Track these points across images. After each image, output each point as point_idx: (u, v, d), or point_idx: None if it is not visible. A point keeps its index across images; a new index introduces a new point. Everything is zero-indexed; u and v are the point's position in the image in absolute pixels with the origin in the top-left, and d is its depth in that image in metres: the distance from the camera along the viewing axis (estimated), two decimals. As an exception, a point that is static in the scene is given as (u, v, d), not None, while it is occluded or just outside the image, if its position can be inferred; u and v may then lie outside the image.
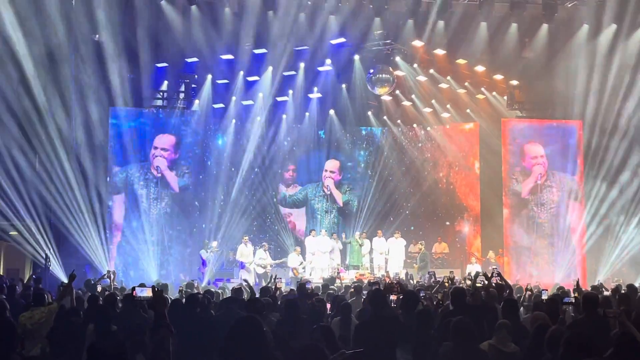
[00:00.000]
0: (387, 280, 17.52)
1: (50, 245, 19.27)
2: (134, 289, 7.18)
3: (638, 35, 21.81)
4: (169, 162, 22.81)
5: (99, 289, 13.46)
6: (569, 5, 22.40)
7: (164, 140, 22.89)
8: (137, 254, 21.81)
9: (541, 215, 23.71)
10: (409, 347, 7.32)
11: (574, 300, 8.86)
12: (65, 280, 18.19)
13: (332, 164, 27.10)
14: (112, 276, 14.75)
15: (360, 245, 23.44)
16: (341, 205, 26.88)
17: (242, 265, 21.95)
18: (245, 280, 13.94)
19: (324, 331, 6.50)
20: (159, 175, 22.52)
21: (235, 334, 4.98)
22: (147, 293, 7.03)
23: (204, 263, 21.64)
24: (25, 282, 14.79)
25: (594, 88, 22.22)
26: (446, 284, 14.27)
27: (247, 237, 22.65)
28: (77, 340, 8.09)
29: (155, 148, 22.76)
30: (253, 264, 21.97)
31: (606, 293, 12.93)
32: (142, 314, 8.96)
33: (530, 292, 12.69)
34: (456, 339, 6.73)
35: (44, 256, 18.63)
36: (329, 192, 26.79)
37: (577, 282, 11.60)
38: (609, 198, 22.49)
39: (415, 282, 17.92)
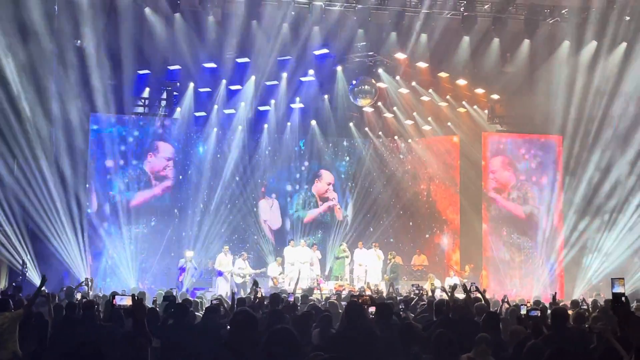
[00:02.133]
0: (368, 291, 17.52)
1: (27, 251, 19.07)
2: (113, 297, 7.12)
3: (618, 53, 22.08)
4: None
5: (78, 296, 13.34)
6: (551, 22, 22.62)
7: (169, 149, 23.02)
8: (115, 261, 21.65)
9: (520, 229, 23.87)
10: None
11: (539, 314, 8.93)
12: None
13: (330, 176, 27.14)
14: (90, 283, 14.62)
15: (346, 257, 23.52)
16: (341, 219, 26.87)
17: (219, 274, 21.84)
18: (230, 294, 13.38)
19: None
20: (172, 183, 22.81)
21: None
22: (127, 301, 6.98)
23: (181, 272, 21.48)
24: (3, 289, 14.64)
25: (574, 104, 22.46)
26: (425, 296, 14.30)
27: (227, 247, 22.57)
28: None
29: (169, 159, 23.02)
30: (231, 273, 21.88)
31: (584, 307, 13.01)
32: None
33: (507, 305, 12.69)
34: (436, 352, 6.75)
35: (21, 262, 18.43)
36: (336, 206, 26.78)
37: (554, 295, 11.67)
38: (587, 212, 22.71)
39: (389, 294, 17.79)
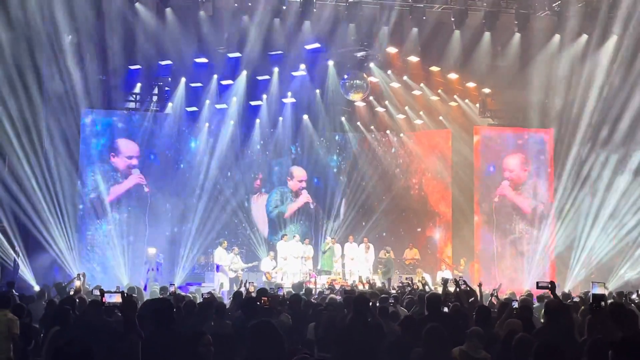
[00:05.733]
0: (360, 285, 17.57)
1: (19, 247, 19.00)
2: (102, 295, 7.08)
3: (608, 46, 22.12)
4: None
5: (72, 292, 13.28)
6: (542, 15, 22.66)
7: (131, 147, 22.71)
8: (107, 256, 21.58)
9: (511, 222, 23.95)
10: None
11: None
12: (34, 283, 18.07)
13: (302, 173, 27.09)
14: (82, 278, 14.55)
15: (330, 249, 23.54)
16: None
17: (217, 268, 21.81)
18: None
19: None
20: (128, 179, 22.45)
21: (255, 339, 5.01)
22: (117, 299, 6.94)
23: (148, 269, 21.03)
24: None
25: (564, 97, 22.53)
26: (415, 288, 14.36)
27: (226, 242, 22.52)
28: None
29: (130, 157, 22.60)
30: (227, 268, 21.87)
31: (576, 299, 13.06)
32: (105, 319, 8.72)
33: (496, 298, 12.71)
34: (427, 346, 6.78)
35: (13, 259, 18.38)
36: (314, 205, 26.76)
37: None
38: (578, 206, 22.76)
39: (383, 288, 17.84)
